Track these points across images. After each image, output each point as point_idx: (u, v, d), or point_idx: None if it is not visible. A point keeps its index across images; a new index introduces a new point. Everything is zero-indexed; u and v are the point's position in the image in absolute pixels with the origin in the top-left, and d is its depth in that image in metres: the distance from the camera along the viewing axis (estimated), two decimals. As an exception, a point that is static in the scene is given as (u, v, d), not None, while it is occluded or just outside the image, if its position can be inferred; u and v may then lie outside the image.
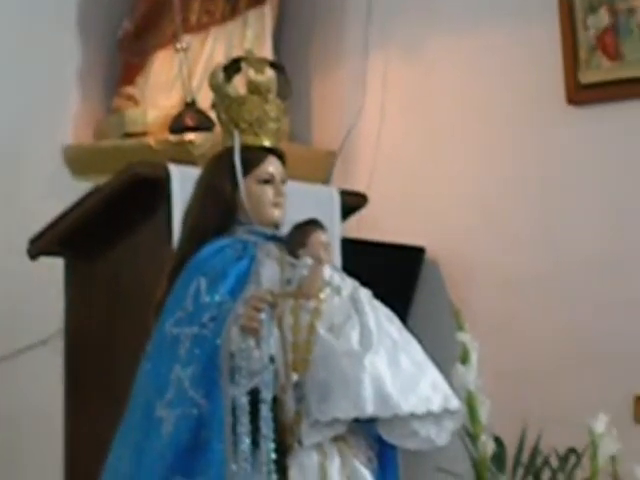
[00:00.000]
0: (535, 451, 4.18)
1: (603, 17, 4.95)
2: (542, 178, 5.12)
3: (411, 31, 5.35)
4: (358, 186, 5.06)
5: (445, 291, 5.16)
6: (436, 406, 3.74)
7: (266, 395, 3.65)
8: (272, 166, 3.84)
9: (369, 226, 4.97)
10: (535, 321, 5.05)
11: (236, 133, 3.86)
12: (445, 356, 4.08)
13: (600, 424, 4.22)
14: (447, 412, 3.78)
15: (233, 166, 3.81)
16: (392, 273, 4.69)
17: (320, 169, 5.13)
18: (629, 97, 4.95)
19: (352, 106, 5.37)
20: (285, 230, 3.87)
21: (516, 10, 5.13)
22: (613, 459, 4.22)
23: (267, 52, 4.87)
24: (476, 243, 5.21)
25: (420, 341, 3.81)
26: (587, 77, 5.01)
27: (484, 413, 4.16)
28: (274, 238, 3.83)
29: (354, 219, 4.84)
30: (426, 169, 5.31)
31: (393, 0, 5.38)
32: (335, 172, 5.29)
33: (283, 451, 3.69)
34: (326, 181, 5.02)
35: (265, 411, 3.63)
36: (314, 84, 5.54)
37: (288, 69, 4.94)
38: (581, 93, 5.03)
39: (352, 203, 4.79)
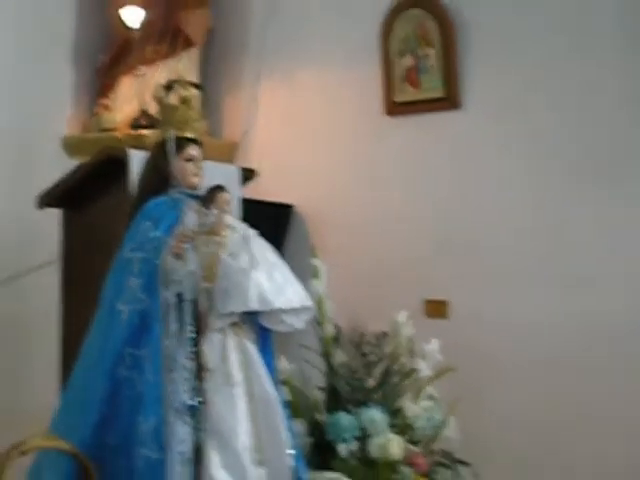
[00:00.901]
0: (360, 334, 4.14)
1: (409, 60, 4.95)
2: (370, 163, 5.12)
3: (287, 66, 5.32)
4: (251, 164, 5.02)
5: (308, 236, 5.11)
6: (297, 304, 3.78)
7: (187, 296, 3.67)
8: (193, 150, 3.85)
9: (259, 191, 4.93)
10: (364, 252, 5.03)
11: (171, 130, 3.86)
12: (306, 279, 4.05)
13: (401, 317, 4.24)
14: (304, 308, 3.81)
15: (168, 150, 3.82)
16: (271, 222, 4.70)
17: (227, 154, 5.14)
18: (425, 111, 4.95)
19: (249, 114, 5.33)
20: (202, 192, 3.88)
21: (352, 54, 5.13)
22: (409, 339, 4.20)
23: (193, 77, 4.86)
24: (330, 202, 5.17)
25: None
26: (399, 98, 5.02)
27: (328, 309, 4.19)
28: (194, 197, 3.84)
29: (249, 186, 4.80)
30: (295, 154, 5.31)
31: (278, 44, 5.29)
32: (237, 156, 5.24)
33: (199, 332, 3.69)
34: (231, 161, 4.99)
35: (187, 307, 3.65)
36: (226, 99, 5.52)
37: (210, 89, 5.00)
38: (395, 108, 5.03)
39: (248, 175, 4.81)
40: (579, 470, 4.21)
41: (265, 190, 4.99)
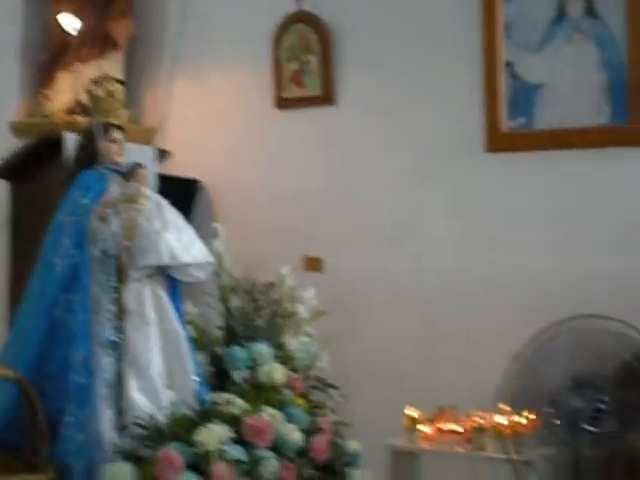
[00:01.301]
0: (252, 283, 4.17)
1: (294, 64, 5.00)
2: (263, 146, 5.15)
3: (198, 65, 5.30)
4: (166, 147, 4.99)
5: (211, 205, 5.12)
6: (200, 259, 3.83)
7: (111, 252, 3.70)
8: (117, 134, 3.87)
9: (172, 168, 4.92)
10: (256, 218, 5.04)
11: (98, 117, 3.87)
12: (209, 239, 4.12)
13: (285, 270, 4.26)
14: (206, 263, 3.86)
15: (96, 133, 3.82)
16: (181, 194, 4.62)
17: (146, 138, 5.09)
18: (307, 106, 5.00)
19: (165, 105, 5.29)
20: (124, 168, 3.89)
21: (250, 57, 5.16)
22: (291, 288, 4.25)
23: (118, 75, 4.82)
24: (230, 178, 5.16)
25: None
26: (286, 94, 5.04)
27: (226, 263, 4.18)
28: (117, 172, 3.87)
29: (164, 164, 4.79)
30: (203, 139, 5.28)
31: (190, 47, 5.23)
32: (154, 139, 5.20)
33: (120, 282, 3.71)
34: (149, 144, 4.93)
35: (110, 261, 3.69)
36: (146, 92, 5.45)
37: (133, 84, 4.96)
38: (283, 102, 5.06)
39: (162, 155, 4.79)
40: (433, 394, 4.26)
41: (177, 168, 4.99)
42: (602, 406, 2.88)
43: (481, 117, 4.53)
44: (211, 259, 3.90)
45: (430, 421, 4.13)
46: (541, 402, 3.05)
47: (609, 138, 4.29)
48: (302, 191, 4.99)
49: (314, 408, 3.99)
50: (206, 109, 5.32)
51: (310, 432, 3.77)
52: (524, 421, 3.63)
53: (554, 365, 2.90)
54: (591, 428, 2.92)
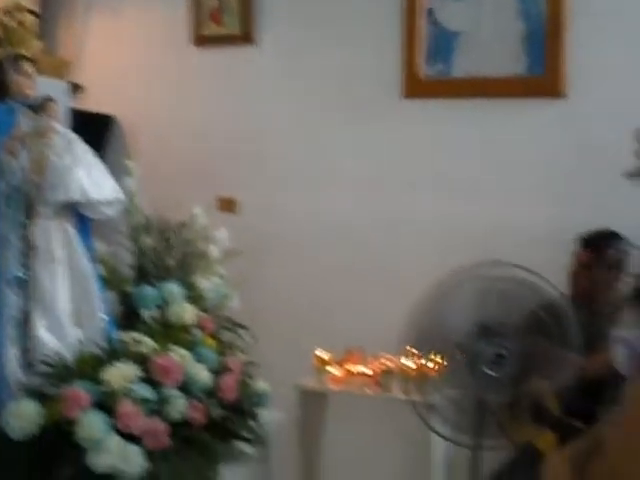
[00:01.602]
0: (164, 222, 4.14)
1: (214, 2, 4.93)
2: (178, 84, 5.08)
3: (109, 4, 5.17)
4: (81, 81, 4.93)
5: (124, 141, 5.05)
6: (111, 197, 3.78)
7: (19, 187, 3.62)
8: (28, 66, 3.77)
9: (85, 103, 4.84)
10: (170, 156, 5.00)
11: (9, 48, 3.77)
12: (121, 177, 4.06)
13: (197, 210, 4.22)
14: (117, 200, 3.82)
15: (6, 65, 3.72)
16: (94, 129, 4.60)
17: (60, 71, 4.96)
18: (225, 45, 4.92)
19: (81, 39, 5.20)
20: (34, 101, 3.80)
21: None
22: (204, 228, 4.21)
23: (31, 5, 4.61)
24: (144, 114, 5.10)
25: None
26: (205, 32, 4.99)
27: (138, 202, 4.11)
28: (28, 105, 3.77)
29: (77, 98, 4.71)
30: (118, 74, 5.20)
31: None
32: (69, 73, 5.09)
33: (29, 218, 3.65)
34: (63, 77, 4.83)
35: (18, 196, 3.61)
36: (62, 25, 5.33)
37: (48, 17, 4.83)
38: (201, 40, 5.02)
39: (75, 89, 4.71)
40: (342, 336, 4.30)
41: (91, 103, 4.93)
42: (504, 352, 2.93)
43: (399, 63, 4.53)
44: (122, 197, 3.85)
45: (339, 363, 4.19)
46: (446, 346, 3.09)
47: (526, 88, 4.33)
48: (217, 131, 4.95)
49: (224, 348, 3.99)
50: (122, 44, 5.22)
51: (219, 372, 3.77)
52: (430, 364, 3.70)
53: (459, 310, 2.94)
54: (492, 373, 2.96)
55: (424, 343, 3.19)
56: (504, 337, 2.94)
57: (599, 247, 3.71)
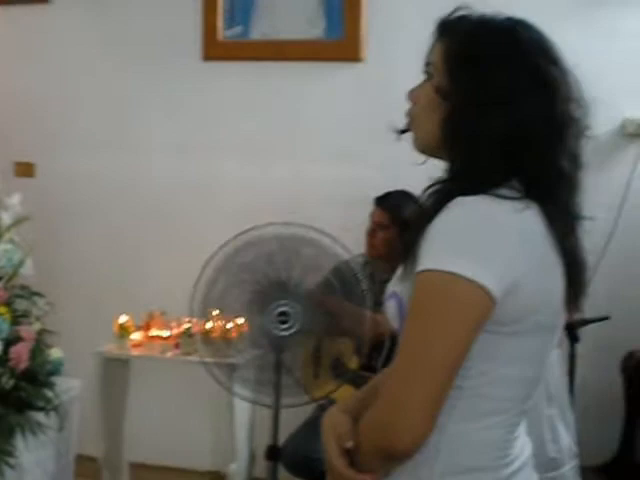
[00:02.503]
0: None
1: None
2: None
3: None
4: None
5: None
6: None
7: None
8: None
9: None
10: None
11: None
12: None
13: None
14: None
15: None
16: None
17: None
18: (23, 2, 4.69)
19: None
20: None
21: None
22: None
23: None
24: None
25: None
26: None
27: None
28: None
29: None
30: None
31: None
32: None
33: None
34: None
35: None
36: None
37: None
38: None
39: None
40: (143, 301, 4.21)
41: None
42: (288, 310, 2.92)
43: (199, 24, 4.46)
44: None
45: (140, 328, 4.11)
46: (238, 307, 3.04)
47: (324, 52, 4.34)
48: (12, 93, 4.70)
49: (18, 317, 3.79)
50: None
51: (11, 341, 3.58)
52: (231, 326, 3.66)
53: (250, 270, 2.90)
54: (281, 332, 2.95)
55: (217, 304, 3.12)
56: (291, 296, 2.92)
57: (393, 207, 3.76)
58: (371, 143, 4.21)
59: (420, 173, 1.68)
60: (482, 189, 1.53)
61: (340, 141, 4.32)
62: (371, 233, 3.82)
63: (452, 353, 1.43)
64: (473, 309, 1.44)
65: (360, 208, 3.89)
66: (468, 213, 1.51)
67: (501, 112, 1.55)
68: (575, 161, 1.62)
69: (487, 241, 1.48)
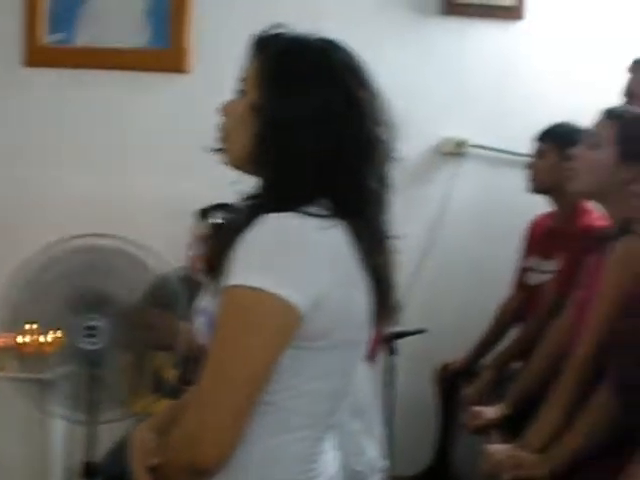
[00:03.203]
0: None
1: None
2: None
3: None
4: None
5: None
6: None
7: None
8: None
9: None
10: None
11: None
12: None
13: None
14: None
15: None
16: None
17: None
18: None
19: None
20: None
21: None
22: None
23: None
24: None
25: None
26: None
27: None
28: None
29: None
30: None
31: None
32: None
33: None
34: None
35: None
36: None
37: None
38: None
39: None
40: None
41: None
42: (96, 324, 2.87)
43: (20, 29, 4.30)
44: None
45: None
46: (51, 321, 2.96)
47: (149, 61, 4.29)
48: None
49: None
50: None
51: None
52: (48, 339, 3.54)
53: (59, 282, 2.83)
54: (90, 346, 2.90)
55: (24, 317, 3.03)
56: (102, 309, 2.87)
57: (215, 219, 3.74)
58: (197, 156, 4.18)
59: (247, 187, 1.68)
60: (291, 206, 1.54)
61: (166, 154, 4.28)
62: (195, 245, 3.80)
63: (257, 368, 1.44)
64: (278, 325, 1.46)
65: (187, 222, 3.85)
66: (275, 229, 1.50)
67: (310, 131, 1.57)
68: (383, 182, 1.66)
69: (293, 257, 1.49)
